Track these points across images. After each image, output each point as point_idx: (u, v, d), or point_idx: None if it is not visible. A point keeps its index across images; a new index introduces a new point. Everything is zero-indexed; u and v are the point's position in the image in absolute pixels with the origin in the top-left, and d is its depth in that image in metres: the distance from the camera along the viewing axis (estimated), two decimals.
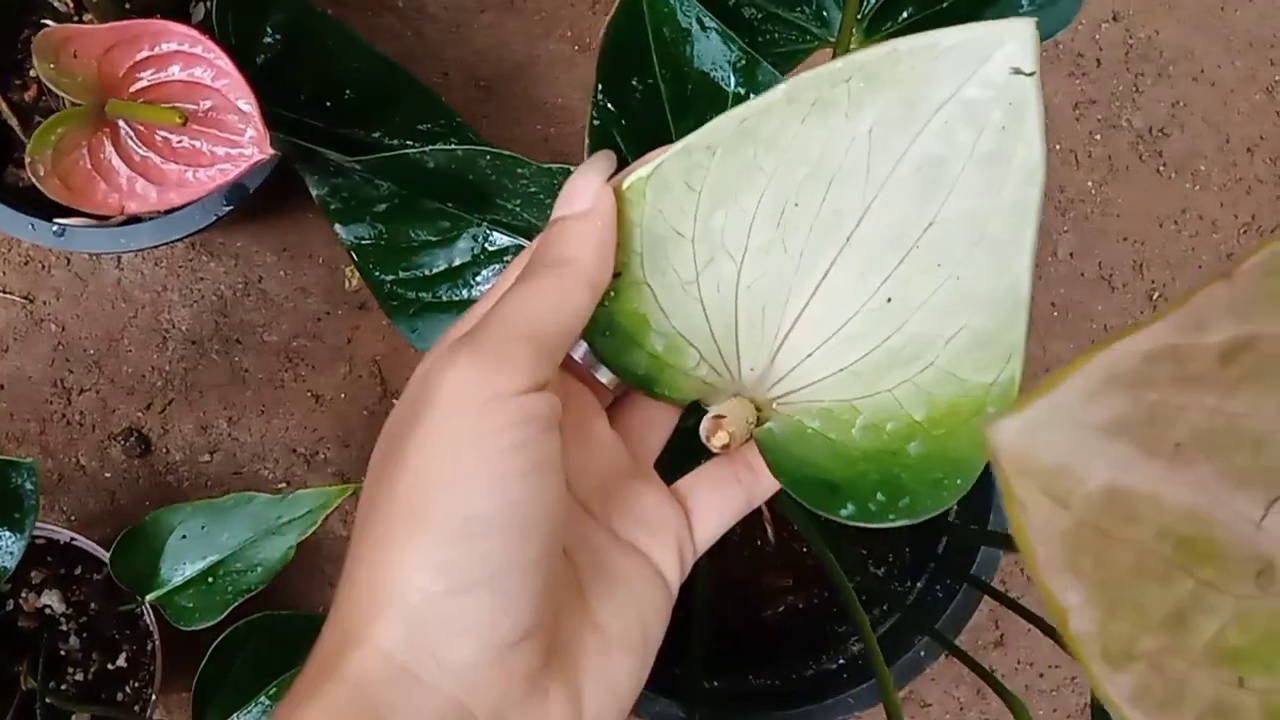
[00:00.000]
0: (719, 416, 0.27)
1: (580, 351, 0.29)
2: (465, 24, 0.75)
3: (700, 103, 0.34)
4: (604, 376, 0.30)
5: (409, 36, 0.75)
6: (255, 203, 0.62)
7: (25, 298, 0.71)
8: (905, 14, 0.42)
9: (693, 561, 0.30)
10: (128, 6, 0.61)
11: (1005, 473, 0.15)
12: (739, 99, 0.35)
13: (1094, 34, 0.81)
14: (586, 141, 0.34)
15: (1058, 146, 0.79)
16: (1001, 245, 0.24)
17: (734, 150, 0.26)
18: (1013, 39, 0.23)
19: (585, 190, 0.27)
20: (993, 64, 0.24)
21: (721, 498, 0.30)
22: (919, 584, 0.59)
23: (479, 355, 0.24)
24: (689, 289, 0.27)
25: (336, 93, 0.54)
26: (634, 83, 0.34)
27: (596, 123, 0.34)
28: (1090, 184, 0.79)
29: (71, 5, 0.61)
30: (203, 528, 0.53)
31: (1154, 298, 0.78)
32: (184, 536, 0.53)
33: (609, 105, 0.34)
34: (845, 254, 0.26)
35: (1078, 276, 0.78)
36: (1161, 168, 0.80)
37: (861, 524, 0.26)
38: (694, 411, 0.30)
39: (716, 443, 0.27)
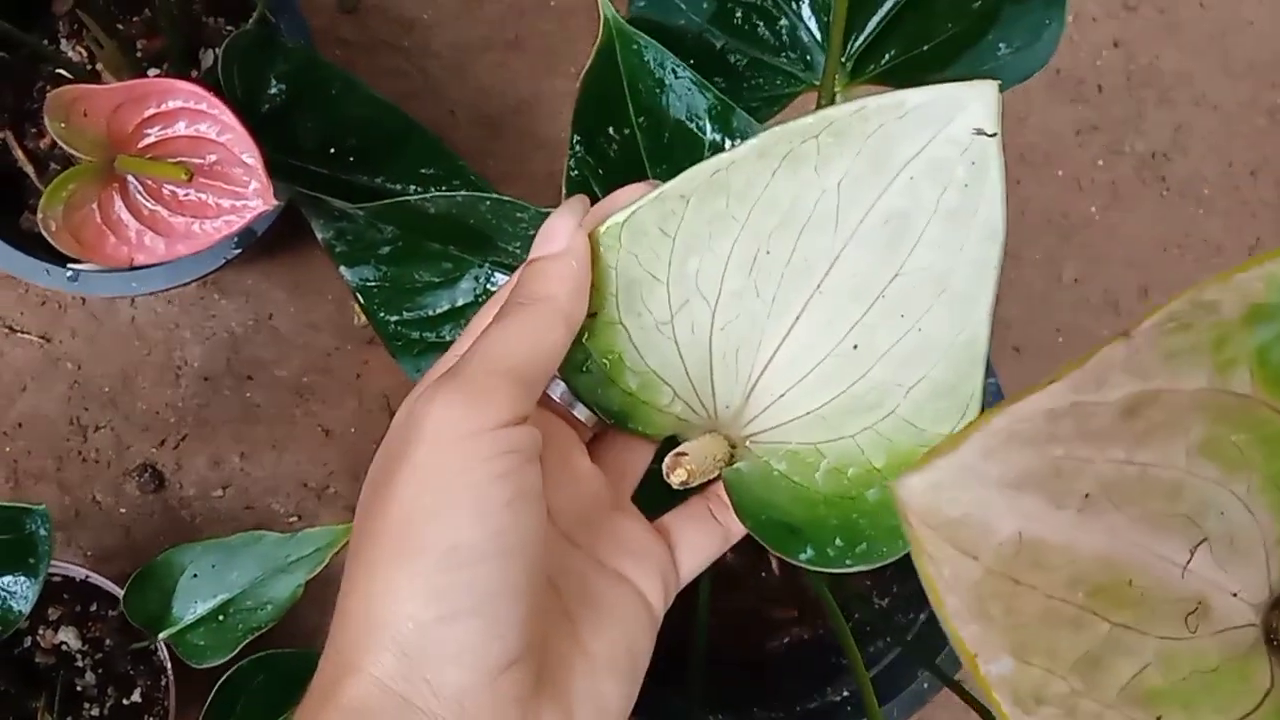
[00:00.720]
0: (680, 454, 0.28)
1: (559, 390, 0.31)
2: (470, 62, 0.76)
3: (677, 151, 0.35)
4: (581, 414, 0.31)
5: (414, 75, 0.76)
6: (265, 241, 0.63)
7: (42, 337, 0.72)
8: (888, 57, 0.42)
9: (675, 592, 0.31)
10: (139, 55, 0.63)
11: (912, 526, 0.15)
12: (715, 146, 0.36)
13: (1095, 60, 0.81)
14: (564, 192, 0.34)
15: (1060, 173, 0.80)
16: (962, 300, 0.25)
17: (707, 199, 0.27)
18: (976, 100, 0.24)
19: (560, 232, 0.28)
20: (956, 124, 0.24)
21: (701, 533, 0.31)
22: (922, 615, 0.59)
23: (460, 391, 0.25)
24: (663, 329, 0.28)
25: (341, 139, 0.55)
26: (611, 133, 0.35)
27: (574, 173, 0.35)
28: (1094, 209, 0.80)
29: (85, 55, 0.63)
30: (213, 567, 0.54)
31: None
32: (195, 575, 0.54)
33: (587, 156, 0.35)
34: (815, 301, 0.27)
35: (1083, 302, 0.79)
36: (1165, 192, 0.80)
37: (820, 569, 0.26)
38: (671, 446, 0.31)
39: (675, 479, 0.28)
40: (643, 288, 0.28)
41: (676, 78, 0.35)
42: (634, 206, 0.27)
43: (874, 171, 0.25)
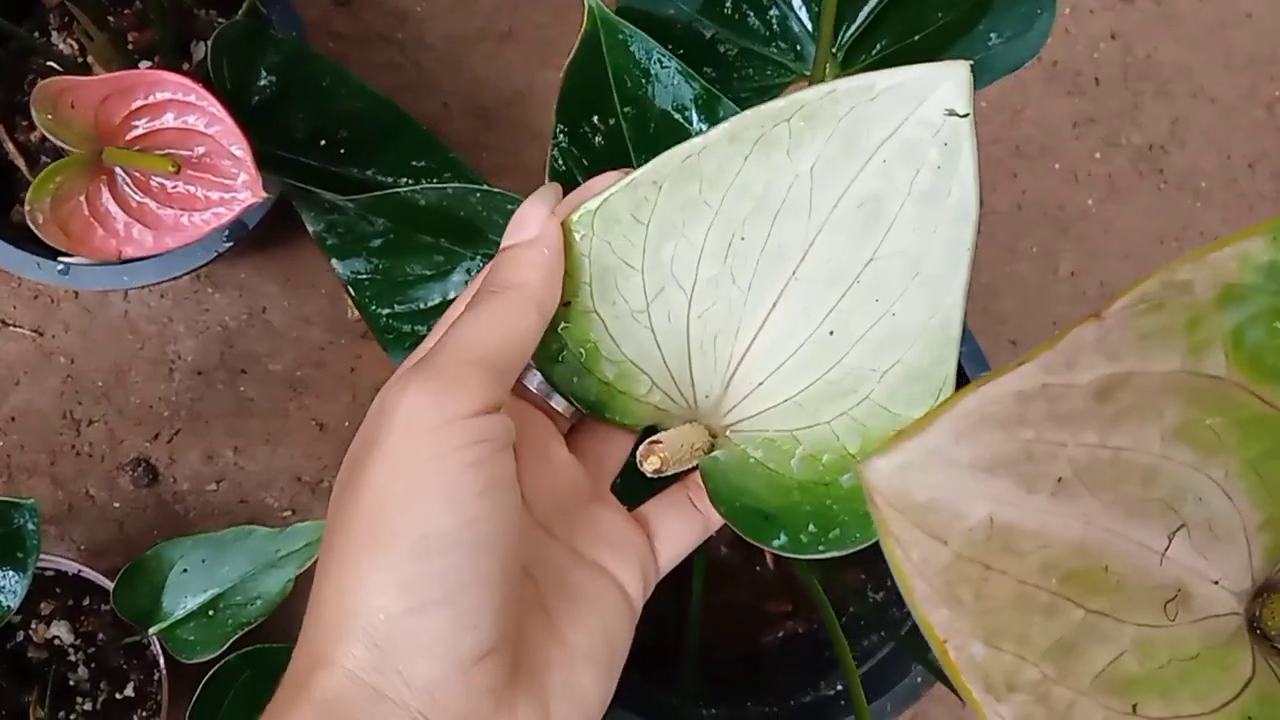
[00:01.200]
0: (654, 442, 0.28)
1: (536, 380, 0.30)
2: (463, 54, 0.76)
3: (663, 141, 0.35)
4: (559, 404, 0.31)
5: (408, 68, 0.76)
6: (258, 235, 0.63)
7: (35, 331, 0.72)
8: (879, 47, 0.42)
9: (654, 582, 0.31)
10: (130, 48, 0.63)
11: (880, 510, 0.15)
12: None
13: (1092, 52, 0.81)
14: (547, 183, 0.34)
15: (1057, 166, 0.79)
16: (935, 283, 0.25)
17: (680, 185, 0.27)
18: (947, 81, 0.24)
19: (532, 219, 0.28)
20: (928, 105, 0.24)
21: (681, 522, 0.31)
22: None
23: (432, 379, 0.25)
24: (639, 318, 0.28)
25: (331, 131, 0.55)
26: (596, 123, 0.35)
27: (558, 164, 0.34)
28: (1091, 202, 0.79)
29: (76, 48, 0.63)
30: (203, 561, 0.53)
31: None
32: (185, 570, 0.53)
33: (571, 147, 0.34)
34: (791, 287, 0.27)
35: (1079, 295, 0.78)
36: (1162, 185, 0.80)
37: (793, 555, 0.26)
38: (651, 435, 0.31)
39: (648, 467, 0.28)
40: (617, 275, 0.27)
41: (662, 67, 0.34)
42: (606, 193, 0.27)
43: (846, 155, 0.25)
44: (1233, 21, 0.81)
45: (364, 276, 0.55)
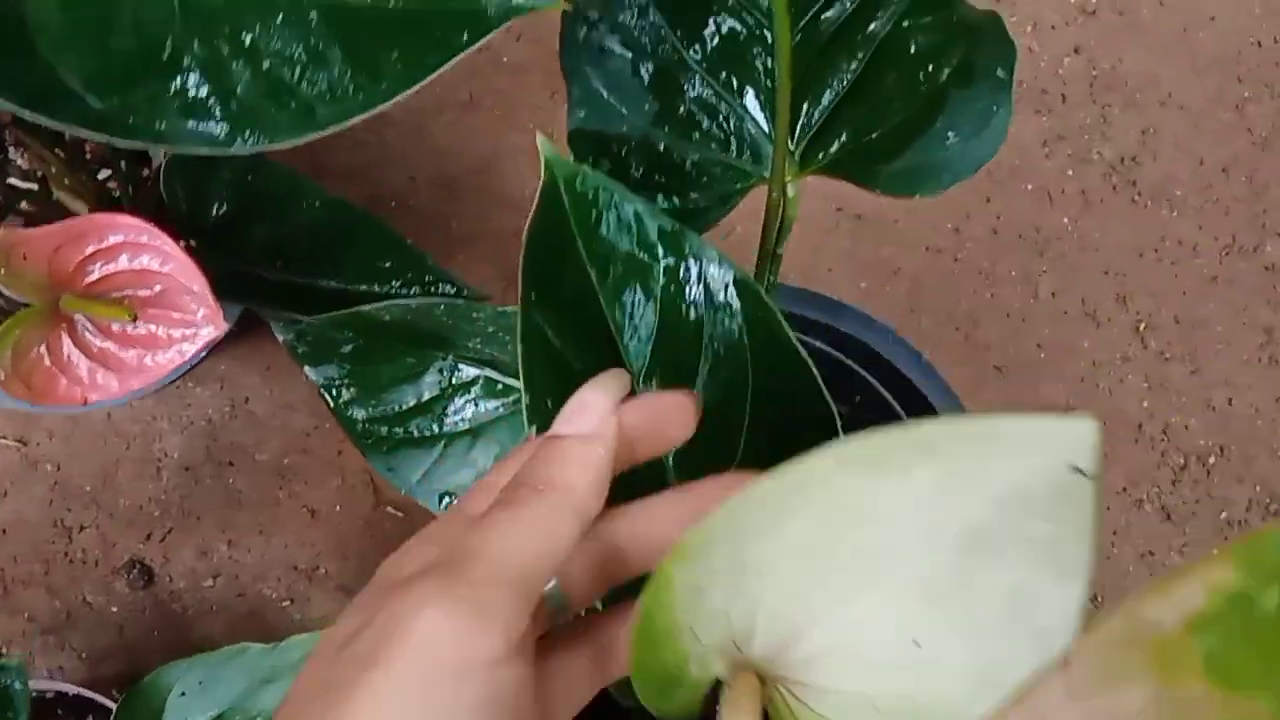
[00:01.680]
0: None
1: (549, 585, 0.27)
2: (426, 125, 0.76)
3: (631, 280, 0.34)
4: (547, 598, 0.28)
5: (372, 145, 0.75)
6: (235, 328, 0.63)
7: (19, 441, 0.72)
8: (837, 145, 0.42)
9: None
10: (87, 158, 0.62)
11: None
12: (670, 270, 0.35)
13: (1057, 69, 0.80)
14: (520, 348, 0.33)
15: (1029, 186, 0.79)
16: (1039, 635, 0.24)
17: (779, 500, 0.26)
18: (1075, 440, 0.23)
19: (593, 412, 0.25)
20: (1054, 456, 0.23)
21: None
22: None
23: (460, 605, 0.23)
24: (719, 615, 0.27)
25: (292, 243, 0.54)
26: (563, 273, 0.34)
27: (528, 326, 0.33)
28: (1066, 220, 0.79)
29: (36, 161, 0.62)
30: (200, 684, 0.53)
31: (1140, 328, 0.78)
32: (183, 694, 0.53)
33: (539, 302, 0.34)
34: (875, 582, 0.25)
35: (1061, 315, 0.78)
36: (1137, 197, 0.79)
37: None
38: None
39: None
40: (708, 588, 0.26)
41: (624, 208, 0.34)
42: (706, 528, 0.26)
43: (959, 487, 0.24)
44: (1195, 25, 0.80)
45: (337, 381, 0.55)
